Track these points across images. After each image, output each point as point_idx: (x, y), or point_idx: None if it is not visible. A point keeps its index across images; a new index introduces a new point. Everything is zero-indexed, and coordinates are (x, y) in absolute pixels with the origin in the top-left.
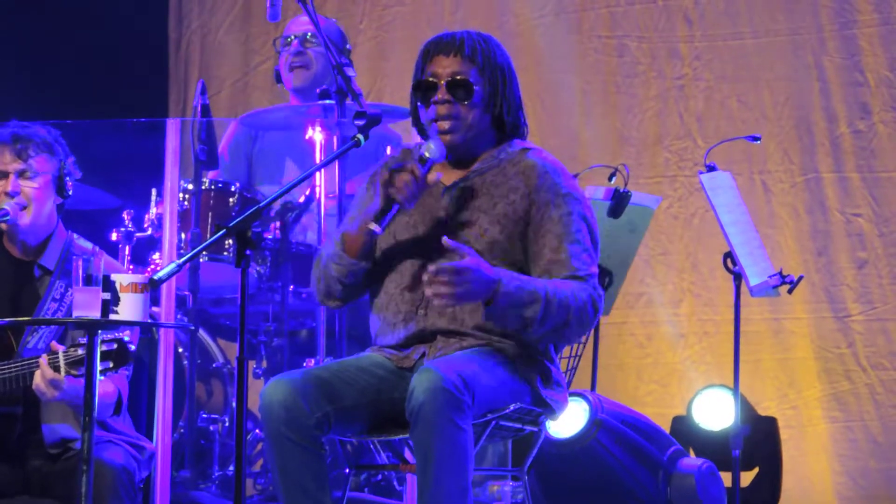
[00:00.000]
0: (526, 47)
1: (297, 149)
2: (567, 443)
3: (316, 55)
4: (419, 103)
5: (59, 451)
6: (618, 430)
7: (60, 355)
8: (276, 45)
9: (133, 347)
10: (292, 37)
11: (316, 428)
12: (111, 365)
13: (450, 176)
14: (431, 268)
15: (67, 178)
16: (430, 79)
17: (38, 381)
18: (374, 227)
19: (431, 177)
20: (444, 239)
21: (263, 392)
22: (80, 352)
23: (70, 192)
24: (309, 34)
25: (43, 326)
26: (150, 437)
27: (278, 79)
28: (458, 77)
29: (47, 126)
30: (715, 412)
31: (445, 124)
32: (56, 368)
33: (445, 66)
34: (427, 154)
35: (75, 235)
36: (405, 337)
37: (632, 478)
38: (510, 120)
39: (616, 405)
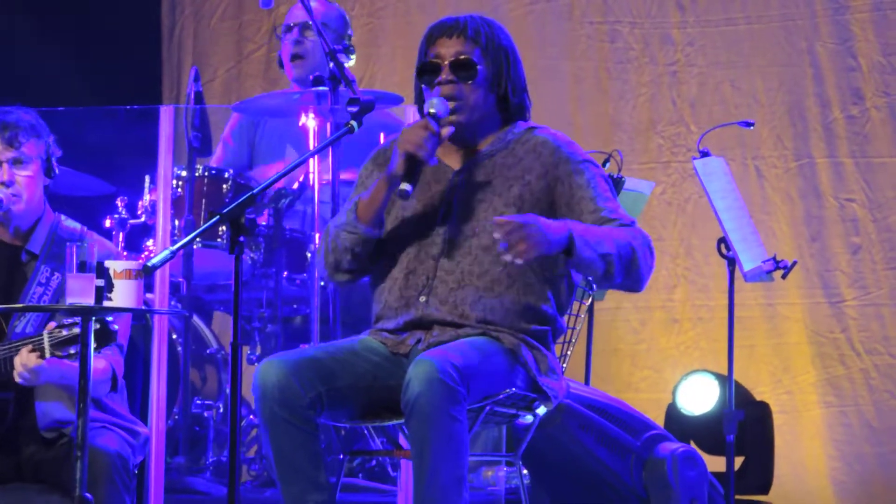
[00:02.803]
0: (518, 33)
1: (297, 135)
2: (529, 427)
3: (314, 45)
4: (424, 86)
5: (53, 437)
6: (582, 415)
7: (45, 336)
8: (278, 31)
9: (116, 327)
10: (293, 24)
11: (309, 408)
12: (94, 345)
13: (457, 159)
14: (497, 228)
15: (53, 159)
16: (434, 60)
17: (18, 366)
18: (406, 186)
19: (445, 130)
20: (496, 218)
21: (257, 373)
22: (64, 332)
23: (56, 172)
24: (309, 23)
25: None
26: (145, 424)
27: (281, 65)
28: (462, 57)
29: (24, 107)
30: (698, 397)
31: (451, 105)
32: (41, 350)
33: (449, 48)
34: (433, 110)
35: (63, 217)
36: (404, 322)
37: (599, 463)
38: (515, 101)
39: (585, 389)
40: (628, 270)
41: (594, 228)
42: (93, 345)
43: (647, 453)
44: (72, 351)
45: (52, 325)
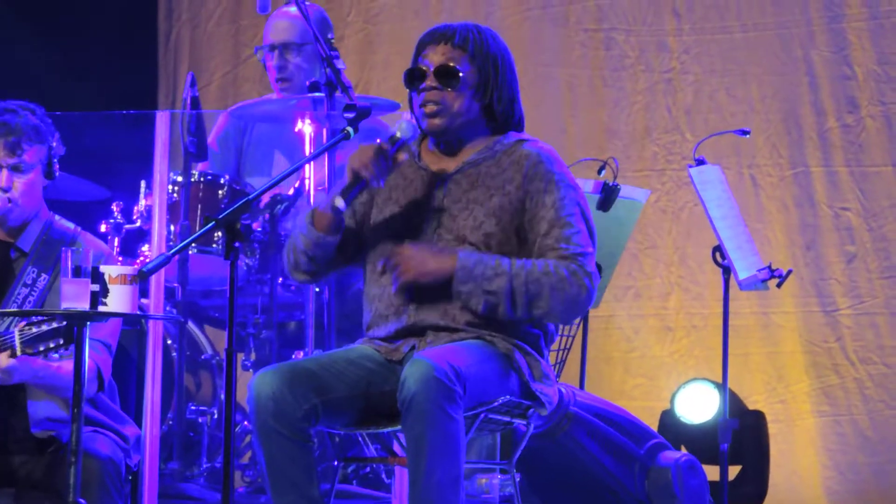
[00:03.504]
0: (512, 40)
1: (287, 141)
2: (538, 436)
3: (296, 67)
4: (412, 92)
5: (44, 438)
6: (590, 423)
7: (16, 334)
8: (259, 55)
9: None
10: (275, 44)
11: (304, 420)
12: (62, 341)
13: (443, 166)
14: (380, 262)
15: (54, 160)
16: (421, 67)
17: None
18: (339, 202)
19: (400, 156)
20: (379, 264)
21: (251, 384)
22: (34, 329)
23: (57, 174)
24: (289, 43)
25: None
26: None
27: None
28: (449, 64)
29: (30, 104)
30: (697, 405)
31: (431, 108)
32: (12, 347)
33: (436, 54)
34: (398, 134)
35: (56, 217)
36: (395, 330)
37: (604, 470)
38: (501, 109)
39: (590, 398)
40: (531, 306)
41: (495, 261)
42: (60, 341)
43: (650, 462)
44: (41, 348)
45: (22, 322)
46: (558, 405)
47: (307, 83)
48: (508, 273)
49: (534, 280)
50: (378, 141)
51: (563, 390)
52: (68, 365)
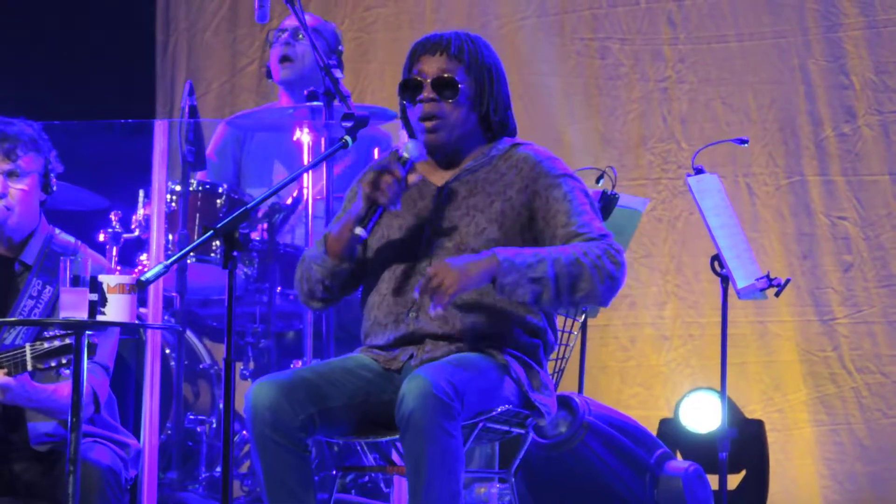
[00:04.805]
0: (508, 49)
1: (286, 151)
2: (554, 445)
3: (303, 51)
4: (406, 102)
5: (44, 450)
6: (605, 433)
7: (27, 348)
8: (270, 36)
9: (95, 340)
10: (286, 29)
11: (300, 430)
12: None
13: (441, 176)
14: (417, 289)
15: (52, 175)
16: (417, 77)
17: None
18: (360, 231)
19: (412, 177)
20: (415, 291)
21: (248, 394)
22: (46, 345)
23: (54, 188)
24: (300, 32)
25: None
26: (137, 439)
27: (269, 75)
28: (444, 76)
29: (28, 120)
30: (702, 415)
31: (431, 123)
32: (23, 363)
33: (432, 65)
34: (406, 154)
35: (57, 230)
36: (394, 338)
37: (619, 480)
38: (497, 119)
39: (603, 407)
40: (574, 289)
41: (532, 250)
42: (72, 356)
43: (659, 470)
44: (52, 364)
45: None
46: (575, 415)
47: (305, 92)
48: (549, 258)
49: (573, 262)
50: (388, 164)
51: (578, 400)
52: (63, 388)
